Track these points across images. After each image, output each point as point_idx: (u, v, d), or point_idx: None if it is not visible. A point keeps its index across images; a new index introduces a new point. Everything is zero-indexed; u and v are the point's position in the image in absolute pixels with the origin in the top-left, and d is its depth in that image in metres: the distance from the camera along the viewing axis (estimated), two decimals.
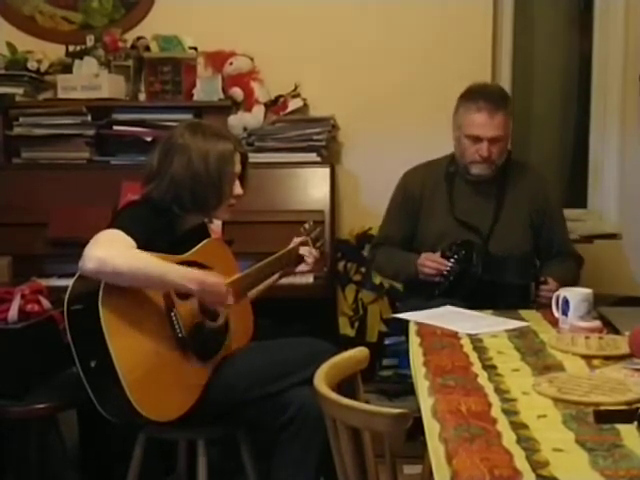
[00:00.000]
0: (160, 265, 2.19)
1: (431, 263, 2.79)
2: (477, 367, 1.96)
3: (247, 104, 3.53)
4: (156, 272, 2.17)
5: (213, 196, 2.39)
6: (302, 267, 2.67)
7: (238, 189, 2.45)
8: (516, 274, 2.78)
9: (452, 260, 2.76)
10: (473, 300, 2.63)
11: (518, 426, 1.54)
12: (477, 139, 2.87)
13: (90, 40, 3.55)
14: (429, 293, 2.78)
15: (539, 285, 2.76)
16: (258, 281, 2.58)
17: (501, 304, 2.62)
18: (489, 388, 1.79)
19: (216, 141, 2.39)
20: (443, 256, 2.78)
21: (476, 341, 2.20)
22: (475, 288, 2.73)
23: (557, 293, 2.35)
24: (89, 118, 3.45)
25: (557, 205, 3.10)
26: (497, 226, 2.92)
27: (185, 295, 2.27)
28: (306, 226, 2.75)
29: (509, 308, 2.58)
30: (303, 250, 2.65)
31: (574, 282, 2.98)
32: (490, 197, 2.96)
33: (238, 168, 2.45)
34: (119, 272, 2.11)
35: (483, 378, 1.86)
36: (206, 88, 3.50)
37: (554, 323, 2.36)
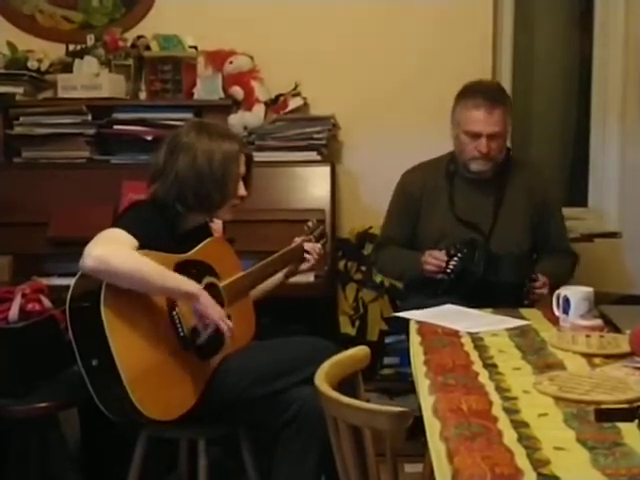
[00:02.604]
0: (158, 269, 2.18)
1: (434, 260, 2.80)
2: (478, 366, 1.96)
3: (247, 103, 3.53)
4: (154, 276, 2.16)
5: (217, 195, 2.39)
6: (305, 265, 2.67)
7: (242, 190, 2.45)
8: (513, 273, 2.78)
9: (455, 258, 2.77)
10: (472, 299, 2.64)
11: (519, 424, 1.54)
12: (476, 135, 2.87)
13: (90, 39, 3.55)
14: (431, 291, 2.79)
15: (531, 282, 2.78)
16: (260, 280, 2.58)
17: (497, 303, 2.62)
18: (490, 387, 1.79)
19: (221, 141, 2.39)
20: (447, 254, 2.79)
21: (477, 340, 2.21)
22: (475, 287, 2.74)
23: (558, 292, 2.35)
24: (89, 117, 3.45)
25: (556, 202, 3.11)
26: (497, 224, 2.92)
27: None
28: (309, 224, 2.75)
29: (505, 306, 2.58)
30: (307, 247, 2.66)
31: (566, 278, 3.00)
32: (490, 195, 2.97)
33: (242, 169, 2.45)
34: (116, 272, 2.11)
35: (484, 377, 1.87)
36: (206, 87, 3.50)
37: (555, 321, 2.36)
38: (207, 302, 2.24)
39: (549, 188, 3.09)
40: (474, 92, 2.90)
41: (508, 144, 3.06)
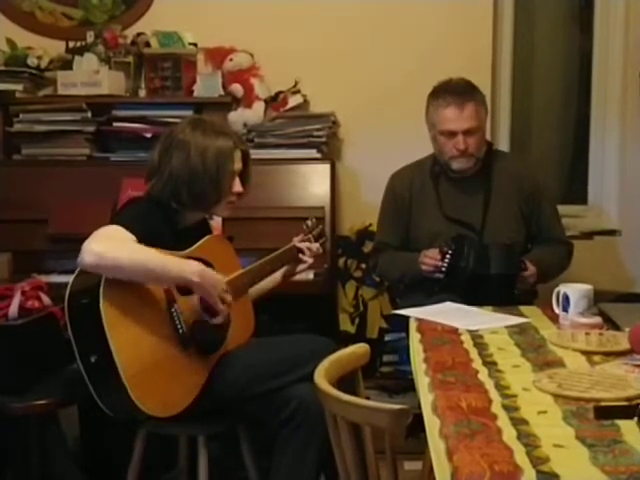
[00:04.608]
0: (160, 257, 2.18)
1: (429, 260, 2.80)
2: (477, 363, 1.96)
3: (247, 100, 3.53)
4: (156, 264, 2.16)
5: (211, 193, 2.38)
6: (302, 267, 2.67)
7: (238, 187, 2.44)
8: (503, 264, 2.77)
9: (447, 255, 2.77)
10: (467, 293, 2.65)
11: (518, 422, 1.54)
12: (451, 134, 2.88)
13: (90, 36, 3.54)
14: (429, 288, 2.80)
15: (520, 271, 2.78)
16: (259, 278, 2.58)
17: (490, 295, 2.63)
18: (489, 384, 1.79)
19: (215, 137, 2.38)
20: (440, 252, 2.79)
21: (476, 337, 2.21)
22: (468, 281, 2.74)
23: (557, 289, 2.36)
24: (89, 114, 3.44)
25: (546, 192, 3.09)
26: (488, 219, 2.93)
27: (186, 291, 2.27)
28: (308, 223, 2.74)
29: (499, 300, 2.59)
30: (302, 246, 2.65)
31: (561, 267, 2.99)
32: (477, 192, 2.97)
33: (238, 166, 2.44)
34: (119, 265, 2.11)
35: (483, 374, 1.87)
36: (206, 84, 3.50)
37: (554, 319, 2.36)
38: (206, 281, 2.23)
39: (537, 177, 3.08)
40: (443, 92, 2.92)
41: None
